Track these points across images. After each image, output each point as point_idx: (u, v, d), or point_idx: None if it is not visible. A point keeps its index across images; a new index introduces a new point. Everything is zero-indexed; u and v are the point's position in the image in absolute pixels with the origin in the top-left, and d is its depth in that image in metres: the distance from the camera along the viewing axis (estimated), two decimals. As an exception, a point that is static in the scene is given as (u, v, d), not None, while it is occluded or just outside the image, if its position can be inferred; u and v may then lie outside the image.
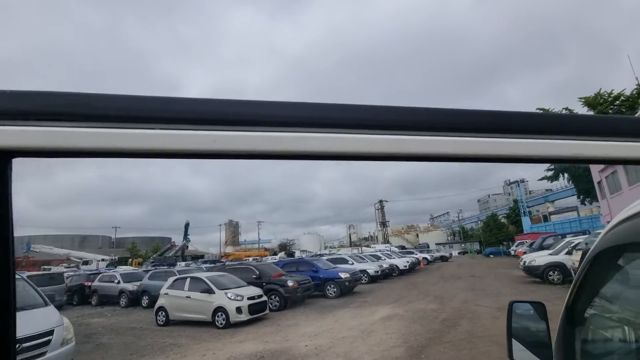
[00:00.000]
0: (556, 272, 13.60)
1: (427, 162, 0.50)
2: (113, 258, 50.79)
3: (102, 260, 47.61)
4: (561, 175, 34.84)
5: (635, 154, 0.51)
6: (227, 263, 25.59)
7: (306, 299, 13.18)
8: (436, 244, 62.49)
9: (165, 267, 26.64)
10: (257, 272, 13.36)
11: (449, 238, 77.90)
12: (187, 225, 54.26)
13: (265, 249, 75.31)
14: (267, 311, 10.75)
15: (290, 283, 12.35)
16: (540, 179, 36.43)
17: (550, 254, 14.59)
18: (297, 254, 52.34)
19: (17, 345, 4.90)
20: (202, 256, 64.00)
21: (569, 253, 13.40)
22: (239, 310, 9.62)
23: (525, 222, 51.49)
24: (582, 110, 27.64)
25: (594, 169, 24.51)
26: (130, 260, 51.35)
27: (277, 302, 12.03)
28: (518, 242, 38.85)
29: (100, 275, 18.99)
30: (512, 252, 35.57)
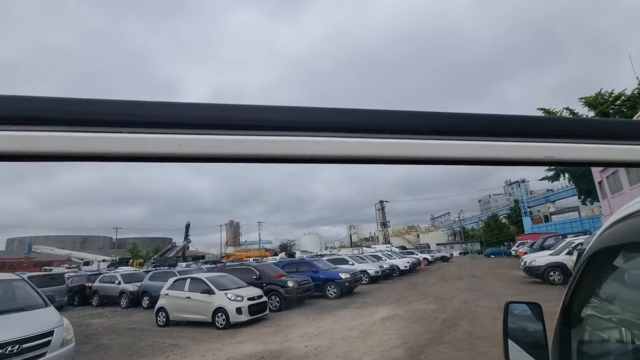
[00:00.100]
0: (557, 273, 13.58)
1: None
2: (114, 259, 50.75)
3: (103, 261, 47.61)
4: (562, 176, 34.83)
5: (635, 157, 0.51)
6: (227, 264, 25.59)
7: (306, 300, 13.17)
8: (437, 245, 62.46)
9: (166, 267, 26.66)
10: (257, 273, 13.36)
11: (450, 238, 77.85)
12: (187, 226, 54.26)
13: (266, 250, 75.36)
14: (267, 312, 10.75)
15: (290, 284, 12.35)
16: (541, 179, 36.45)
17: (551, 254, 14.57)
18: (298, 255, 52.38)
19: (18, 346, 4.93)
20: (203, 257, 64.03)
21: (570, 253, 13.37)
22: (239, 310, 9.62)
23: (526, 222, 51.46)
24: (583, 110, 27.63)
25: (595, 169, 24.47)
26: (131, 260, 51.38)
27: (277, 302, 12.03)
28: (519, 242, 38.85)
29: (101, 276, 19.00)
30: (513, 253, 35.53)
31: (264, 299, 10.77)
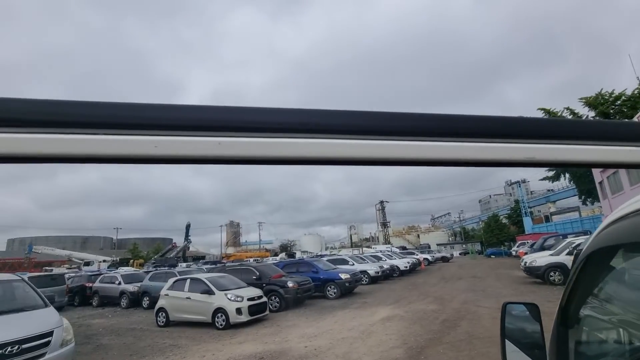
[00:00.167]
0: (557, 273, 13.56)
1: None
2: (114, 259, 50.87)
3: (104, 261, 47.70)
4: (562, 176, 34.80)
5: (615, 158, 0.51)
6: (227, 264, 25.59)
7: (306, 300, 13.16)
8: (437, 245, 62.42)
9: (166, 268, 26.68)
10: (257, 273, 13.36)
11: (450, 239, 77.85)
12: (188, 226, 54.31)
13: (267, 250, 75.40)
14: (267, 312, 10.75)
15: (290, 284, 12.35)
16: (541, 179, 36.40)
17: (551, 255, 14.55)
18: (298, 255, 52.38)
19: (17, 347, 4.94)
20: (203, 257, 64.09)
21: (570, 254, 13.35)
22: (238, 311, 9.62)
23: (527, 222, 51.41)
24: (583, 110, 27.60)
25: (596, 169, 24.46)
26: (131, 261, 51.44)
27: (277, 303, 12.03)
28: (519, 242, 38.84)
29: (101, 276, 19.01)
30: (514, 253, 35.51)
31: (264, 299, 10.77)
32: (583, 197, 33.15)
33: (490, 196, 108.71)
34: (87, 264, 45.47)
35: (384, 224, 74.65)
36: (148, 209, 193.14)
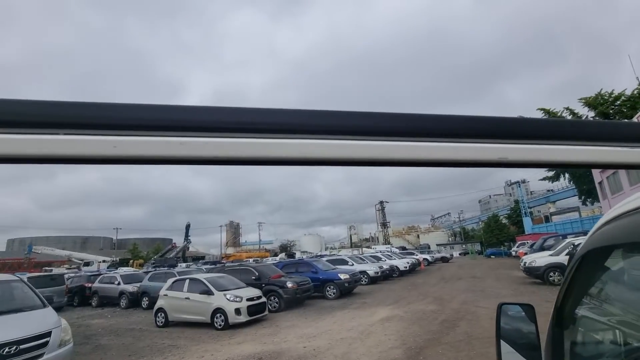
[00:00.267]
0: (557, 273, 13.56)
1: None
2: (114, 259, 50.83)
3: (103, 261, 47.66)
4: (562, 176, 34.81)
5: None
6: (226, 264, 25.57)
7: (305, 300, 13.16)
8: (437, 245, 62.38)
9: (166, 268, 26.66)
10: (257, 274, 13.34)
11: (450, 239, 77.83)
12: (188, 227, 54.25)
13: (266, 250, 75.36)
14: (266, 312, 10.74)
15: (289, 284, 12.34)
16: (541, 179, 36.43)
17: (551, 255, 14.55)
18: (298, 255, 52.35)
19: (15, 347, 4.93)
20: (203, 257, 64.03)
21: (570, 254, 13.35)
22: (237, 311, 9.61)
23: (527, 222, 51.38)
24: (583, 110, 27.60)
25: (595, 169, 24.46)
26: (131, 261, 51.41)
27: (277, 303, 12.02)
28: (519, 242, 38.82)
29: (101, 276, 19.00)
30: (513, 253, 35.49)
31: (263, 299, 10.76)
32: (583, 197, 33.18)
33: (490, 196, 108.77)
34: (87, 264, 45.45)
35: (384, 224, 74.61)
36: (148, 209, 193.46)
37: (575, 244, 13.76)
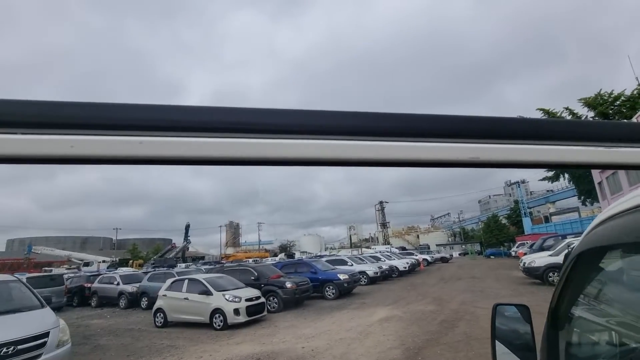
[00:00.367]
0: (556, 274, 13.54)
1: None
2: (114, 259, 50.81)
3: (103, 261, 47.63)
4: (562, 176, 34.84)
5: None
6: (225, 264, 25.56)
7: (304, 301, 13.15)
8: (437, 245, 62.38)
9: (165, 268, 26.65)
10: (256, 274, 13.33)
11: (450, 239, 77.85)
12: (187, 227, 54.18)
13: (266, 250, 75.33)
14: (265, 313, 10.72)
15: (288, 284, 12.33)
16: (541, 180, 36.48)
17: (550, 255, 14.54)
18: (297, 256, 52.32)
19: (13, 348, 4.92)
20: (202, 257, 64.01)
21: (565, 254, 13.35)
22: (236, 311, 9.60)
23: (526, 223, 51.41)
24: (582, 111, 27.62)
25: (595, 170, 24.49)
26: (130, 261, 51.38)
27: (276, 303, 12.01)
28: (519, 243, 38.84)
29: (100, 276, 19.00)
30: (513, 253, 35.51)
31: (262, 300, 10.75)
32: (582, 197, 33.22)
33: (489, 196, 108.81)
34: (87, 264, 45.44)
35: (384, 225, 74.62)
36: (148, 209, 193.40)
37: (573, 244, 13.75)
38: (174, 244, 59.83)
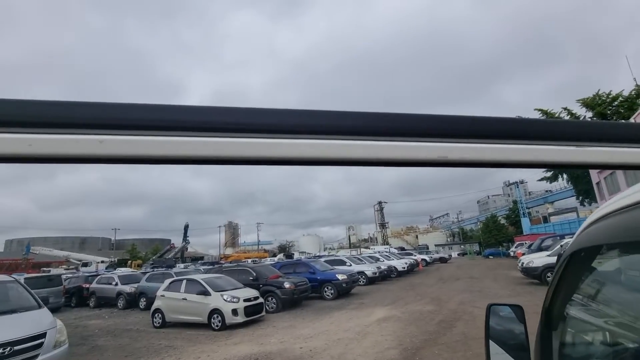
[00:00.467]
0: (554, 274, 13.55)
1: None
2: (112, 260, 50.74)
3: (102, 262, 47.55)
4: (560, 177, 34.90)
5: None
6: (224, 265, 25.54)
7: (303, 301, 13.14)
8: (435, 245, 62.46)
9: (163, 269, 26.61)
10: (254, 274, 13.33)
11: (449, 239, 77.91)
12: (186, 227, 54.14)
13: (265, 251, 75.26)
14: (263, 313, 10.71)
15: (286, 285, 12.32)
16: (539, 180, 36.59)
17: (549, 255, 14.55)
18: (297, 256, 52.30)
19: (9, 348, 4.90)
20: (201, 258, 63.98)
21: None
22: (234, 312, 9.58)
23: (525, 223, 51.46)
24: (581, 111, 27.67)
25: (593, 170, 24.51)
26: (129, 262, 51.30)
27: (274, 303, 12.00)
28: (517, 243, 38.87)
29: (98, 277, 18.96)
30: (512, 254, 35.56)
31: (260, 300, 10.74)
32: (581, 197, 33.26)
33: (488, 197, 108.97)
34: (85, 264, 45.37)
35: (383, 225, 74.66)
36: (147, 209, 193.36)
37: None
38: (173, 244, 59.76)
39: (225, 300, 9.77)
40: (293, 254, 61.49)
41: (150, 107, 0.43)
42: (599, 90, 26.78)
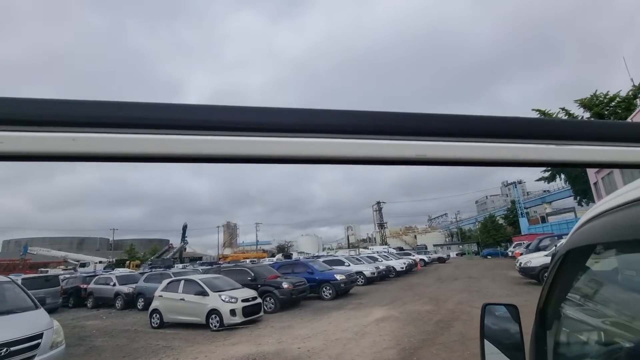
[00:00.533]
0: (552, 273, 13.57)
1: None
2: (110, 260, 50.64)
3: (100, 262, 47.48)
4: (558, 177, 34.98)
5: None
6: (222, 265, 25.50)
7: (301, 301, 13.13)
8: (434, 245, 62.50)
9: (161, 269, 26.56)
10: (252, 274, 13.32)
11: (447, 239, 78.02)
12: (184, 228, 54.07)
13: (264, 251, 75.20)
14: (261, 313, 10.70)
15: (285, 285, 12.31)
16: (537, 180, 36.64)
17: (546, 255, 14.57)
18: (295, 256, 52.27)
19: (6, 349, 4.88)
20: (200, 258, 63.86)
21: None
22: (232, 312, 9.57)
23: (523, 223, 51.55)
24: (578, 111, 27.75)
25: (590, 170, 24.57)
26: (127, 262, 51.20)
27: (272, 304, 11.99)
28: (515, 243, 38.90)
29: (96, 277, 18.91)
30: (510, 254, 35.61)
31: (258, 300, 10.72)
32: (578, 197, 33.31)
33: (486, 197, 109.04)
34: (83, 265, 45.30)
35: (381, 225, 74.69)
36: (145, 209, 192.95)
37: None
38: (172, 244, 59.71)
39: (223, 301, 9.76)
40: (291, 254, 61.43)
41: (129, 104, 0.43)
42: (596, 90, 26.88)
